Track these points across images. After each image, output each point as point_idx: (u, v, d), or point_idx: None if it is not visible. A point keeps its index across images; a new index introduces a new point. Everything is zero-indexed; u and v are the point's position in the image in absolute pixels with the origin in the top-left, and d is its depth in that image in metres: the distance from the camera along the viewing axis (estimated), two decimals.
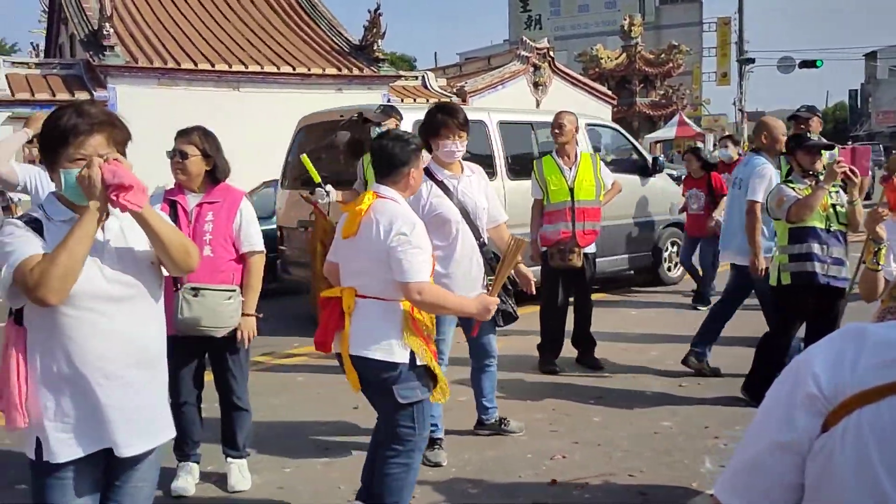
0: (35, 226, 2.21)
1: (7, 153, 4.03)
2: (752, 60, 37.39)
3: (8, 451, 4.54)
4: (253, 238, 3.89)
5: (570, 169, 5.74)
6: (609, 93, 25.28)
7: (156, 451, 2.39)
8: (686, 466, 4.14)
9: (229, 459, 4.04)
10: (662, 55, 29.52)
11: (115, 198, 2.13)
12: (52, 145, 2.19)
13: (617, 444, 4.42)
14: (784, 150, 5.27)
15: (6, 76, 16.25)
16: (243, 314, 3.85)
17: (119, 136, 2.25)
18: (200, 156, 3.81)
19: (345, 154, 7.27)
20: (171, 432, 2.44)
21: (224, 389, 4.01)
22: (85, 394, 2.20)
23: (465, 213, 4.17)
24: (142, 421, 2.29)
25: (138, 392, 2.27)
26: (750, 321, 6.03)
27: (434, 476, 4.06)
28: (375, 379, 3.21)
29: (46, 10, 23.93)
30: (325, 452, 4.45)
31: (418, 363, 3.20)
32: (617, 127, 10.20)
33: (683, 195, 8.84)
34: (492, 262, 4.24)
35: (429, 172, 4.09)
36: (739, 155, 8.89)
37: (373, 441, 3.56)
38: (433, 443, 4.19)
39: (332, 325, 3.25)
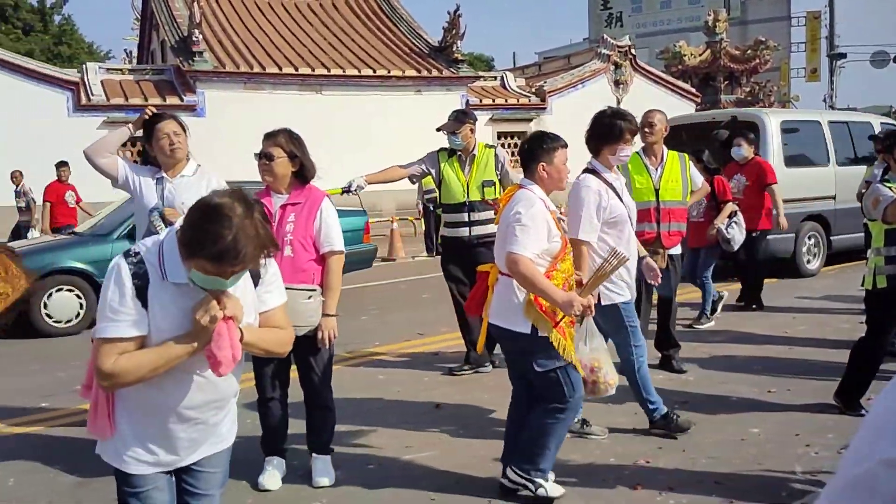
0: (140, 281, 2.15)
1: (109, 146, 4.18)
2: (843, 55, 36.06)
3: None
4: (333, 239, 3.93)
5: (657, 169, 5.61)
6: (693, 90, 24.74)
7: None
8: (776, 475, 4.00)
9: (314, 455, 4.11)
10: (749, 51, 28.66)
11: (208, 357, 2.18)
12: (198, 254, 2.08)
13: (703, 450, 4.31)
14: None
15: (101, 82, 16.97)
16: (324, 314, 3.90)
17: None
18: (286, 157, 3.88)
19: (721, 145, 8.70)
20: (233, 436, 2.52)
21: (308, 387, 4.09)
22: (162, 425, 2.29)
23: (629, 214, 4.36)
24: (211, 443, 2.42)
25: (210, 427, 2.38)
26: (839, 325, 5.81)
27: None
28: (505, 345, 3.80)
29: (139, 17, 24.89)
30: (407, 450, 4.49)
31: (541, 334, 3.52)
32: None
33: None
34: (640, 261, 4.55)
35: (596, 173, 4.30)
36: (756, 154, 8.44)
37: (512, 409, 3.92)
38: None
39: (480, 295, 3.89)
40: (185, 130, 4.22)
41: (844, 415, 4.81)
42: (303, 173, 3.94)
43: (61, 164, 12.70)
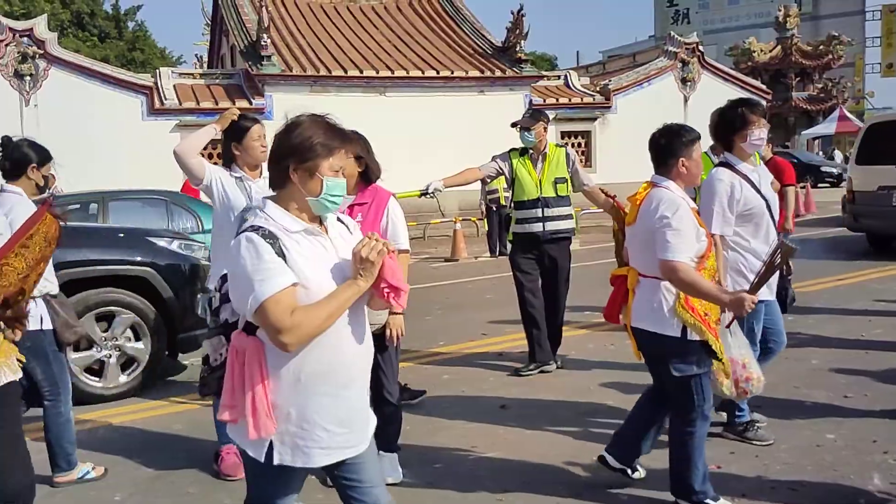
0: (272, 241, 2.18)
1: (196, 145, 4.22)
2: None
3: (176, 435, 4.88)
4: (400, 237, 3.98)
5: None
6: (763, 87, 24.14)
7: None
8: (852, 482, 3.88)
9: (380, 453, 4.14)
10: (821, 47, 27.92)
11: (386, 294, 2.23)
12: (312, 155, 2.26)
13: (776, 456, 4.21)
14: None
15: (174, 86, 17.44)
16: (391, 312, 3.93)
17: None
18: (353, 159, 3.94)
19: None
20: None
21: (374, 386, 4.11)
22: (323, 406, 2.28)
23: (768, 207, 4.23)
24: (363, 422, 2.43)
25: (360, 397, 2.40)
26: None
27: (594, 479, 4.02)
28: (650, 349, 3.62)
29: (209, 23, 25.51)
30: (473, 450, 4.50)
31: (689, 338, 3.43)
32: None
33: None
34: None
35: (729, 166, 4.20)
36: (774, 154, 8.05)
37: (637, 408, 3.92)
38: (748, 425, 4.48)
39: (619, 300, 3.78)
40: None
41: None
42: (368, 174, 4.01)
43: None
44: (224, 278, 2.40)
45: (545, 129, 6.06)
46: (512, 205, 6.21)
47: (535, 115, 6.17)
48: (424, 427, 4.88)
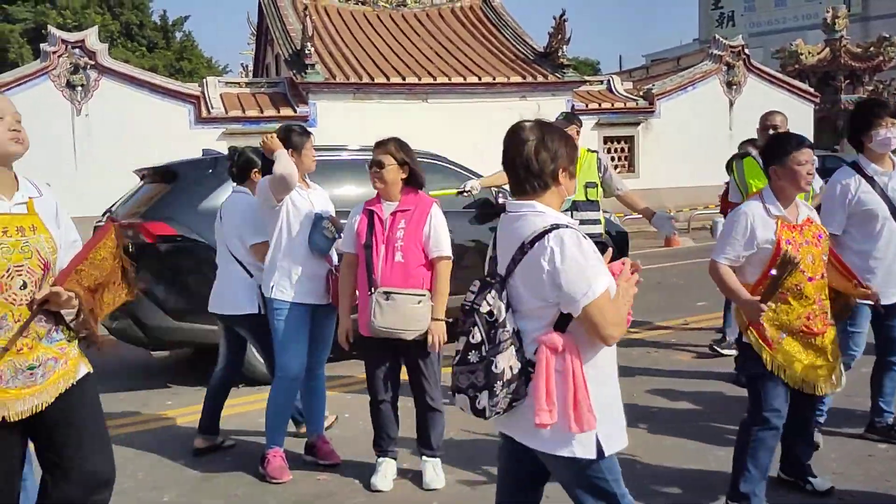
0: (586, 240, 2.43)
1: (294, 169, 4.15)
2: None
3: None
4: (442, 244, 4.01)
5: None
6: (811, 90, 23.70)
7: None
8: None
9: (424, 458, 4.17)
10: (871, 48, 27.28)
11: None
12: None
13: (826, 465, 4.12)
14: None
15: (220, 95, 17.74)
16: (433, 318, 3.96)
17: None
18: (397, 165, 3.99)
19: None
20: None
21: (418, 391, 4.16)
22: (615, 393, 2.46)
23: (893, 210, 4.20)
24: None
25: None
26: None
27: None
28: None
29: (255, 33, 25.91)
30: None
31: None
32: None
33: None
34: None
35: (857, 167, 4.26)
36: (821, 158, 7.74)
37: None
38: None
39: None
40: None
41: None
42: (412, 179, 4.04)
43: None
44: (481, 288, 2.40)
45: (578, 132, 6.01)
46: None
47: (568, 116, 6.13)
48: (469, 431, 4.87)
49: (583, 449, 2.34)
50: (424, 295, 3.95)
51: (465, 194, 5.90)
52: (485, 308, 2.35)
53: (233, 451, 4.76)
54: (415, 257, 3.97)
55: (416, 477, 4.19)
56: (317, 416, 4.57)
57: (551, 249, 2.31)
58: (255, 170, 4.64)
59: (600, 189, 6.01)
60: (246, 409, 5.46)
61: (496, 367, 2.30)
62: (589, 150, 6.15)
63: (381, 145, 4.07)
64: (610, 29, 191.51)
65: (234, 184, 4.82)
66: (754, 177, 5.45)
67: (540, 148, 2.42)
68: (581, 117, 7.09)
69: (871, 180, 4.20)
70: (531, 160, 2.41)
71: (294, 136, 4.30)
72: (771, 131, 5.40)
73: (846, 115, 28.85)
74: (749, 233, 3.47)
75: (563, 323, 2.34)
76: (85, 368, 2.73)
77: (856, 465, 4.15)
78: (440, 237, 4.02)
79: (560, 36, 19.68)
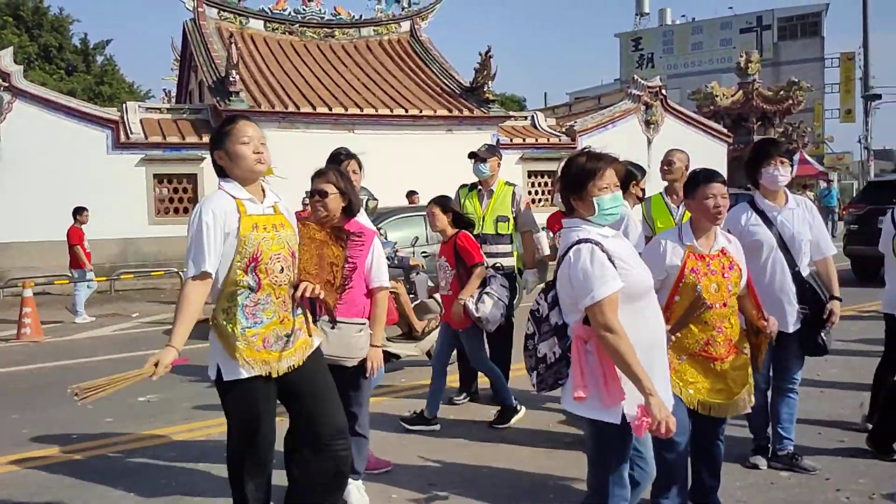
0: (599, 245, 2.86)
1: None
2: (878, 96, 35.76)
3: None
4: (382, 274, 4.12)
5: (678, 207, 5.64)
6: (724, 131, 24.66)
7: None
8: None
9: (350, 479, 4.14)
10: (781, 92, 28.59)
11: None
12: (582, 181, 2.94)
13: (731, 493, 4.24)
14: None
15: (140, 121, 17.38)
16: (372, 345, 4.04)
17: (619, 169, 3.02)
18: (338, 193, 4.02)
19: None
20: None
21: (348, 416, 4.14)
22: (649, 360, 2.87)
23: (782, 242, 4.43)
24: (667, 383, 3.07)
25: (665, 360, 3.07)
26: (874, 369, 5.70)
27: None
28: None
29: (178, 58, 25.54)
30: (430, 487, 4.48)
31: None
32: None
33: None
34: (806, 291, 4.47)
35: (752, 202, 4.57)
36: (736, 195, 8.13)
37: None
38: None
39: None
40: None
41: (877, 459, 4.72)
42: (350, 208, 4.09)
43: (81, 211, 12.82)
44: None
45: (498, 165, 6.19)
46: None
47: (491, 148, 6.28)
48: (389, 465, 4.86)
49: (610, 416, 2.85)
50: (364, 324, 4.02)
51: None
52: (534, 307, 3.05)
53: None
54: (360, 286, 4.05)
55: None
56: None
57: (570, 258, 2.87)
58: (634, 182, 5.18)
59: (512, 223, 6.15)
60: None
61: (539, 352, 3.00)
62: (507, 183, 6.28)
63: (321, 174, 4.10)
64: (536, 67, 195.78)
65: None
66: (659, 214, 5.64)
67: (562, 171, 3.05)
68: (506, 151, 7.25)
69: (761, 213, 4.47)
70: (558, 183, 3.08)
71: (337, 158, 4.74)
72: (665, 167, 5.65)
73: None
74: (662, 258, 3.64)
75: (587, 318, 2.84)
76: (318, 339, 3.43)
77: (760, 493, 4.27)
78: (381, 267, 4.12)
79: (486, 71, 20.01)
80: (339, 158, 4.81)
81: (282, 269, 3.15)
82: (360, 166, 4.82)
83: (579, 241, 2.87)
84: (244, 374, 3.12)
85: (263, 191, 3.29)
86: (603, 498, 2.93)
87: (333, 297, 3.66)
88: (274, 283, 3.12)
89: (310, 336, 3.38)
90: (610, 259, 2.83)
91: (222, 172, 3.24)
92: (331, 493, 3.42)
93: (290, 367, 3.21)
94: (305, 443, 3.33)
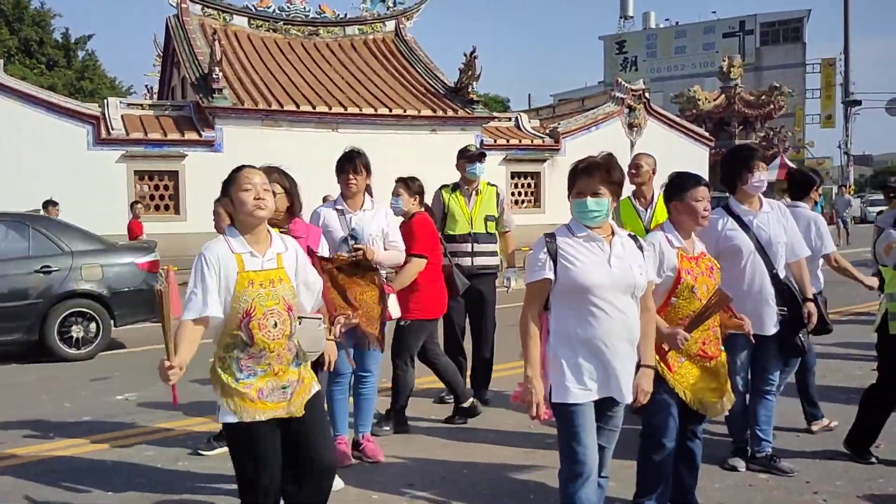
0: (550, 241, 3.24)
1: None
2: (858, 102, 36.21)
3: None
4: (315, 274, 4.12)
5: (646, 210, 5.70)
6: (706, 134, 24.83)
7: (622, 406, 3.33)
8: None
9: None
10: (763, 97, 28.88)
11: None
12: (573, 179, 3.27)
13: (710, 495, 4.26)
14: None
15: (122, 116, 17.25)
16: (327, 339, 4.01)
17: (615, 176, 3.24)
18: (284, 193, 4.01)
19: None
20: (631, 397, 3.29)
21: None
22: (595, 355, 3.15)
23: (759, 246, 4.43)
24: (626, 380, 3.22)
25: (623, 360, 3.20)
26: (852, 372, 5.77)
27: None
28: None
29: (161, 54, 25.35)
30: (410, 488, 4.48)
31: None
32: None
33: None
34: (784, 293, 4.52)
35: (727, 207, 4.56)
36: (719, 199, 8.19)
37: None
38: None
39: None
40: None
41: (854, 462, 4.76)
42: (292, 209, 4.14)
43: (51, 203, 12.83)
44: None
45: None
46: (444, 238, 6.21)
47: (482, 151, 6.44)
48: (359, 463, 4.85)
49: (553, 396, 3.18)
50: (321, 318, 3.97)
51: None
52: None
53: None
54: None
55: None
56: (365, 417, 4.98)
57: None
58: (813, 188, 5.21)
59: (495, 223, 6.27)
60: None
61: None
62: (489, 184, 6.34)
63: (266, 174, 4.06)
64: (521, 69, 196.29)
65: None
66: (628, 218, 5.65)
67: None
68: (490, 152, 7.30)
69: (738, 219, 4.49)
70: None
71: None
72: (633, 171, 5.68)
73: None
74: (659, 261, 3.65)
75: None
76: (317, 386, 3.38)
77: (738, 496, 4.30)
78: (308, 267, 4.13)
79: (470, 72, 20.04)
80: (353, 159, 5.24)
81: (275, 325, 3.16)
82: (368, 169, 5.21)
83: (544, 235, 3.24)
84: (235, 420, 3.14)
85: (270, 237, 3.28)
86: (562, 465, 3.31)
87: (375, 328, 4.28)
88: (267, 337, 3.13)
89: (309, 382, 3.36)
90: (553, 254, 3.14)
91: (233, 220, 3.29)
92: None
93: (290, 413, 3.19)
94: (291, 479, 3.29)
